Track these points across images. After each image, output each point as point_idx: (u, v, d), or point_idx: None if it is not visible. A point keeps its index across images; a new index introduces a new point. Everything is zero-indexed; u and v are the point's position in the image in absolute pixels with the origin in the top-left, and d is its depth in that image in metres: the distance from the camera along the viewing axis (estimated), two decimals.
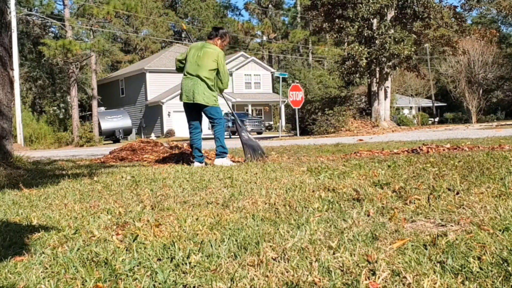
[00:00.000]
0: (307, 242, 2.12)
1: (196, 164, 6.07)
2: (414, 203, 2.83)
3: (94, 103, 32.78)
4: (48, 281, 1.82)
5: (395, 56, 20.55)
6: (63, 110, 35.86)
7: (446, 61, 44.13)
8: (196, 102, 5.93)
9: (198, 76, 5.91)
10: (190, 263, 1.94)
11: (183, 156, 7.13)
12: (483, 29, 26.27)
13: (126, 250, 2.17)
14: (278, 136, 23.51)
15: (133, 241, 2.29)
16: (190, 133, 6.21)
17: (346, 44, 24.51)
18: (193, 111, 6.12)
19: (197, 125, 6.18)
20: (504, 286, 1.59)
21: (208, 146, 12.97)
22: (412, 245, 2.01)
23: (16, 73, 22.85)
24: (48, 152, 19.88)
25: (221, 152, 6.11)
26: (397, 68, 23.21)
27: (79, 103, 33.86)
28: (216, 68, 5.98)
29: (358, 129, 20.72)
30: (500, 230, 2.13)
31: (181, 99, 6.10)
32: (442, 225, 2.35)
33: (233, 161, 6.58)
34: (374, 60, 20.98)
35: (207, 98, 5.93)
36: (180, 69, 6.23)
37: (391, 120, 24.86)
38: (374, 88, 22.16)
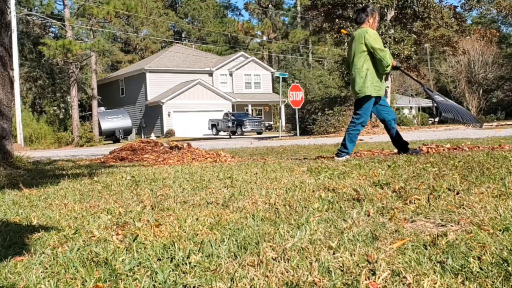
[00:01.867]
0: (307, 242, 2.12)
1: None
2: (414, 203, 2.83)
3: (94, 103, 32.78)
4: (48, 281, 1.82)
5: (395, 56, 20.55)
6: (63, 110, 35.84)
7: (446, 61, 44.14)
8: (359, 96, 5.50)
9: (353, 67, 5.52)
10: (190, 263, 1.94)
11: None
12: (483, 29, 26.25)
13: (126, 250, 2.17)
14: (278, 136, 23.51)
15: (133, 241, 2.29)
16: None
17: (346, 44, 24.48)
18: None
19: (383, 118, 5.72)
20: (504, 286, 1.59)
21: (208, 146, 12.98)
22: (412, 245, 2.01)
23: (16, 73, 22.85)
24: (48, 152, 19.88)
25: (341, 151, 5.65)
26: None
27: (79, 103, 33.85)
28: (366, 50, 5.42)
29: None
30: (500, 230, 2.13)
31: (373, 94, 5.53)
32: (442, 225, 2.35)
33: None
34: None
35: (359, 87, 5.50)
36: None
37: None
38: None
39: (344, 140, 5.66)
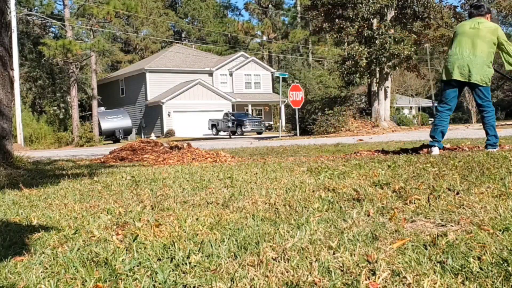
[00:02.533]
0: (307, 242, 2.12)
1: (435, 150, 5.58)
2: (414, 203, 2.83)
3: (94, 103, 32.77)
4: (48, 281, 1.82)
5: (395, 56, 20.55)
6: (63, 110, 35.82)
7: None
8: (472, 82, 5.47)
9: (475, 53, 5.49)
10: (190, 263, 1.94)
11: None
12: None
13: (126, 250, 2.17)
14: (278, 136, 23.50)
15: (133, 241, 2.29)
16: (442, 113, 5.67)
17: (346, 44, 24.51)
18: (460, 92, 5.67)
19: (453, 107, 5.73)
20: (504, 286, 1.59)
21: (208, 146, 12.98)
22: (412, 245, 2.01)
23: (16, 73, 22.84)
24: (48, 152, 19.88)
25: (494, 143, 5.58)
26: (397, 68, 23.20)
27: (79, 103, 33.84)
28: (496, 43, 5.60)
29: (358, 129, 20.71)
30: (500, 230, 2.13)
31: (451, 76, 5.53)
32: (442, 225, 2.35)
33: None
34: (374, 60, 20.97)
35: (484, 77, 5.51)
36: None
37: (391, 120, 24.86)
38: (374, 88, 22.15)
39: (490, 130, 5.60)
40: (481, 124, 5.98)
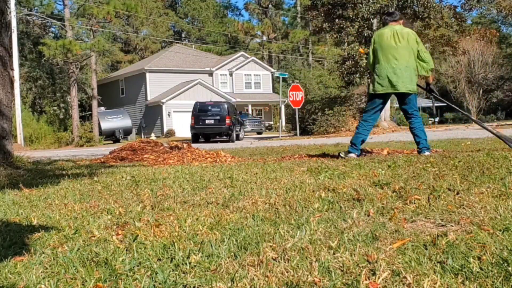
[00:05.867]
0: (307, 242, 2.12)
1: (352, 156, 5.76)
2: (414, 203, 2.83)
3: (94, 103, 32.77)
4: (48, 281, 1.82)
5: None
6: (63, 110, 35.81)
7: (446, 61, 44.11)
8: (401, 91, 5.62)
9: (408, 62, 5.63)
10: (190, 263, 1.94)
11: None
12: (483, 29, 26.28)
13: (126, 250, 2.17)
14: (278, 136, 23.51)
15: (133, 241, 2.29)
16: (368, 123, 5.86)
17: (346, 44, 24.50)
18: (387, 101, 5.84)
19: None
20: (504, 286, 1.59)
21: (208, 146, 12.97)
22: (412, 245, 2.01)
23: (16, 73, 22.85)
24: (48, 152, 19.88)
25: (428, 146, 5.70)
26: None
27: (79, 103, 33.83)
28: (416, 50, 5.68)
29: None
30: (500, 230, 2.13)
31: (381, 89, 5.67)
32: (442, 225, 2.36)
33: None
34: None
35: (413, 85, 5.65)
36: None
37: (391, 120, 24.86)
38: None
39: (422, 134, 5.69)
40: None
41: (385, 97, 5.77)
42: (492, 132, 6.11)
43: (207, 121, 22.77)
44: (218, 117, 22.56)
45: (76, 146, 28.78)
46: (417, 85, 5.88)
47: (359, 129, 5.87)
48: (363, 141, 5.89)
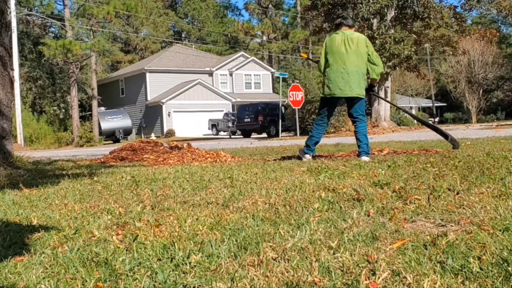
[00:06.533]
0: (307, 242, 2.12)
1: (307, 157, 5.98)
2: (414, 203, 2.83)
3: (94, 103, 32.76)
4: (48, 281, 1.82)
5: (395, 56, 20.54)
6: (63, 110, 35.80)
7: (446, 61, 44.14)
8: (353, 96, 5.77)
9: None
10: (190, 263, 1.94)
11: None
12: (483, 29, 26.25)
13: (126, 250, 2.17)
14: (278, 136, 23.49)
15: (133, 241, 2.29)
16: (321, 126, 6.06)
17: None
18: (338, 104, 6.05)
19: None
20: (504, 286, 1.59)
21: (208, 146, 12.97)
22: (412, 245, 2.01)
23: (16, 73, 22.84)
24: (48, 152, 19.87)
25: (367, 151, 5.77)
26: (397, 68, 23.20)
27: (79, 103, 33.82)
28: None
29: None
30: (500, 230, 2.13)
31: (332, 93, 5.82)
32: (442, 225, 2.36)
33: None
34: None
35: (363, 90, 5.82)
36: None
37: (391, 120, 24.86)
38: (374, 88, 22.16)
39: (363, 139, 5.82)
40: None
41: (333, 101, 5.95)
42: (429, 126, 6.70)
43: (245, 120, 27.53)
44: (252, 116, 26.87)
45: (76, 146, 28.78)
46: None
47: (313, 132, 6.08)
48: (316, 143, 6.11)
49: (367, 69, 5.82)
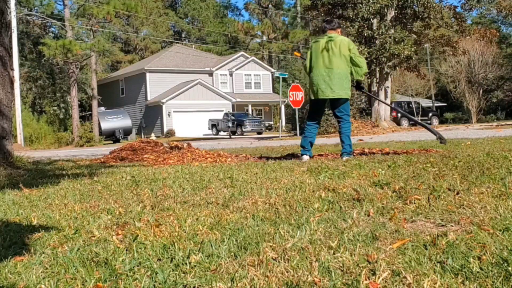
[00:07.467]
0: (307, 242, 2.12)
1: (305, 158, 6.01)
2: (414, 203, 2.83)
3: (94, 103, 32.77)
4: (48, 281, 1.82)
5: (395, 56, 20.54)
6: (63, 110, 35.82)
7: (446, 61, 44.11)
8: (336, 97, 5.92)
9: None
10: (190, 263, 1.94)
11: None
12: (483, 29, 26.25)
13: (126, 250, 2.17)
14: (278, 136, 23.50)
15: (133, 241, 2.29)
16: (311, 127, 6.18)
17: None
18: (325, 106, 6.21)
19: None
20: (504, 286, 1.59)
21: (208, 146, 12.98)
22: (412, 245, 2.01)
23: (16, 73, 22.85)
24: (48, 152, 19.87)
25: (350, 151, 5.93)
26: (397, 68, 23.20)
27: (79, 103, 33.83)
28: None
29: (358, 129, 20.70)
30: (500, 230, 2.13)
31: (317, 96, 5.98)
32: (442, 225, 2.36)
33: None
34: (374, 60, 20.97)
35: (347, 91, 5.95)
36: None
37: (391, 120, 24.86)
38: (374, 88, 22.15)
39: (346, 140, 6.01)
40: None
41: (318, 102, 6.10)
42: (420, 123, 6.92)
43: None
44: None
45: (76, 146, 28.79)
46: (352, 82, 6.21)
47: (306, 133, 6.20)
48: (311, 143, 6.18)
49: (351, 71, 5.96)
